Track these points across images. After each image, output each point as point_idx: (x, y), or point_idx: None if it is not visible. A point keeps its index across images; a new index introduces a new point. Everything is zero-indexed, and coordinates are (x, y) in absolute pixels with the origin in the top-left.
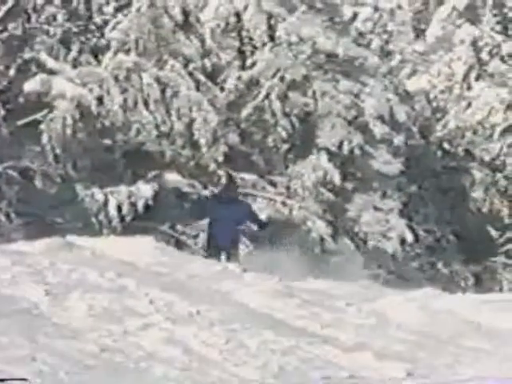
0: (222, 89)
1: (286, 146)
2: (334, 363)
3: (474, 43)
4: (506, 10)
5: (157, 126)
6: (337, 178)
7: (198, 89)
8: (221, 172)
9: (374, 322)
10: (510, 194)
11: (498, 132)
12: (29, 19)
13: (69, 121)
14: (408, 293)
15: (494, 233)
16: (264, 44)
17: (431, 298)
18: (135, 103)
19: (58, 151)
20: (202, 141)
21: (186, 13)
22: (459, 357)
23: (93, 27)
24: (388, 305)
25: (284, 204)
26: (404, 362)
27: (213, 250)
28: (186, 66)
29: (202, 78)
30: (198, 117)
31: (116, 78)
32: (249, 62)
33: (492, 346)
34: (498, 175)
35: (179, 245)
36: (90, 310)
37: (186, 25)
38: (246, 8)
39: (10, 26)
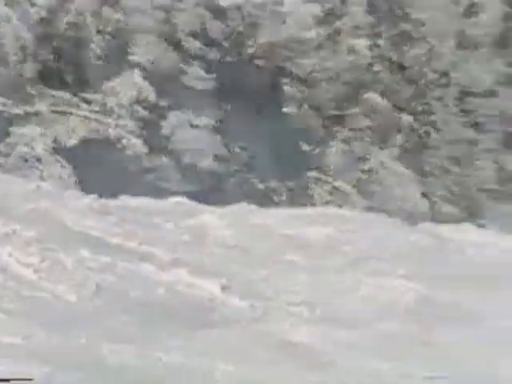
0: (33, 4)
1: (99, 63)
2: (150, 280)
3: None
4: None
5: None
6: (152, 96)
7: (7, 4)
8: (33, 90)
9: (190, 238)
10: (323, 110)
11: (311, 48)
12: None
13: None
14: (224, 209)
15: (307, 148)
16: None
17: (246, 214)
18: None
19: None
20: (14, 58)
21: None
22: (274, 270)
23: None
24: (204, 221)
25: (99, 122)
26: (219, 277)
27: None
28: None
29: None
30: (8, 33)
31: None
32: None
33: (304, 259)
34: (311, 91)
35: None
36: None
37: None
38: None
39: None
